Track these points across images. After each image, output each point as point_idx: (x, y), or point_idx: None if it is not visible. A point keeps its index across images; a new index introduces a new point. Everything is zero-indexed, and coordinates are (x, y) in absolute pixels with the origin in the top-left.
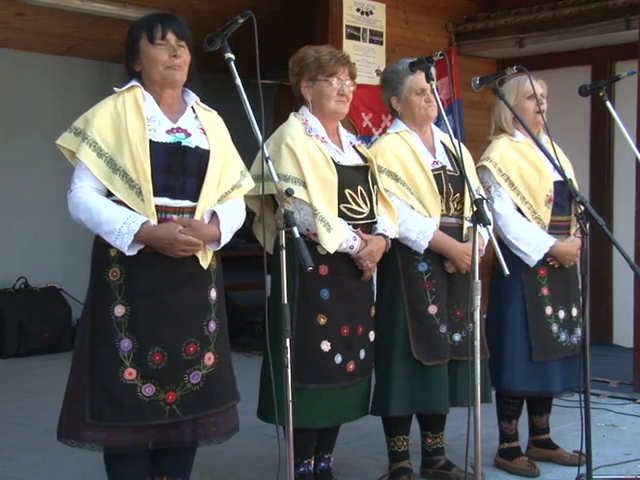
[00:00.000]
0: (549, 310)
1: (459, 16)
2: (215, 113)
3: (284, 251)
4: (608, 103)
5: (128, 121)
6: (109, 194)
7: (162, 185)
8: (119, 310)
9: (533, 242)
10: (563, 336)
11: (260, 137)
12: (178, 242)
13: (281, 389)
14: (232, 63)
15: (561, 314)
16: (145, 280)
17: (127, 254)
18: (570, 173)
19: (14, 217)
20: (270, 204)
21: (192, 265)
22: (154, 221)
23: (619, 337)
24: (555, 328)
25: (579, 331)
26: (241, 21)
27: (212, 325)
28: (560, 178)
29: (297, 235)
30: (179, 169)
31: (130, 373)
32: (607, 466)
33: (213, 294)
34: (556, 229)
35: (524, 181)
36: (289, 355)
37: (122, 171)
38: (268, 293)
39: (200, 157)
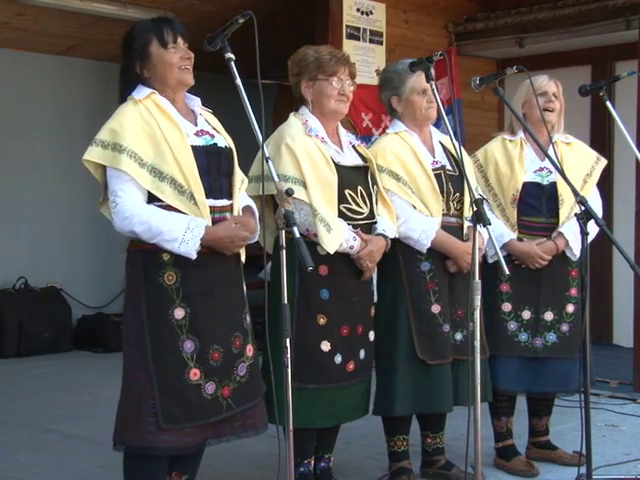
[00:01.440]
0: (507, 307)
1: (459, 16)
2: (212, 112)
3: (284, 251)
4: (608, 103)
5: (163, 129)
6: (149, 201)
7: (206, 187)
8: (179, 313)
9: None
10: (523, 336)
11: (260, 137)
12: (238, 238)
13: (281, 389)
14: (232, 63)
15: (525, 314)
16: (200, 281)
17: (193, 258)
18: (582, 173)
19: (14, 217)
20: (270, 204)
21: (234, 261)
22: (209, 222)
23: (619, 337)
24: (512, 326)
25: (551, 336)
26: (241, 21)
27: (247, 318)
28: (532, 179)
29: (297, 235)
30: (216, 170)
31: (195, 373)
32: (607, 466)
33: (244, 288)
34: (530, 229)
35: (498, 179)
36: (289, 355)
37: (170, 178)
38: (268, 279)
39: (228, 156)
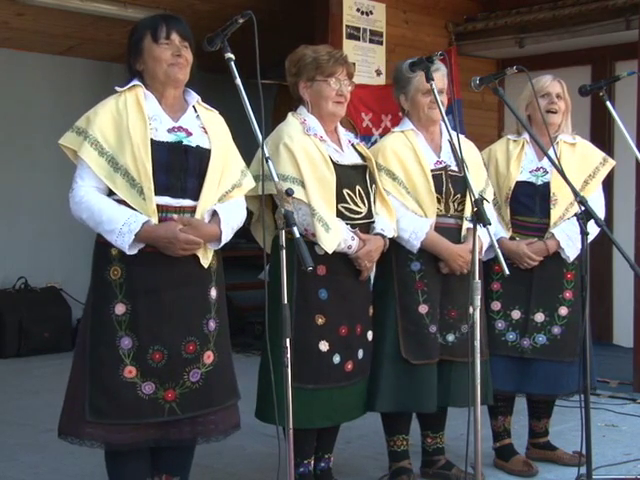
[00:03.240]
0: (496, 306)
1: (459, 16)
2: (216, 112)
3: (284, 251)
4: (608, 103)
5: (130, 120)
6: (110, 194)
7: (163, 184)
8: (120, 308)
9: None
10: (511, 336)
11: (260, 137)
12: (179, 241)
13: (280, 389)
14: (232, 63)
15: (515, 314)
16: (145, 279)
17: (128, 253)
18: (585, 172)
19: (14, 217)
20: (269, 204)
21: (192, 264)
22: (155, 220)
23: (619, 337)
24: (500, 325)
25: (540, 337)
26: (241, 21)
27: (212, 324)
28: (526, 179)
29: (297, 235)
30: (180, 168)
31: (130, 371)
32: (607, 466)
33: (213, 293)
34: (523, 229)
35: (496, 179)
36: (289, 355)
37: (124, 170)
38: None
39: (201, 156)
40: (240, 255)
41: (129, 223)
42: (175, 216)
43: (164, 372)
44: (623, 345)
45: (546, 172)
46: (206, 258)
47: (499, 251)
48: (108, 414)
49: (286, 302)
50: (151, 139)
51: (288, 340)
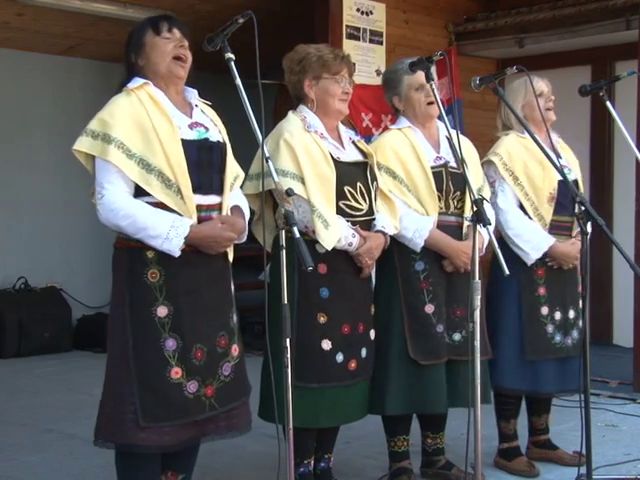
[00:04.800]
0: (545, 310)
1: (459, 16)
2: (210, 104)
3: (284, 251)
4: (608, 103)
5: (153, 120)
6: (136, 196)
7: (195, 182)
8: (162, 311)
9: (532, 240)
10: (558, 337)
11: (260, 137)
12: (223, 239)
13: (281, 389)
14: (232, 63)
15: (557, 315)
16: (185, 279)
17: (177, 256)
18: (577, 173)
19: (14, 217)
20: (270, 203)
21: (221, 260)
22: (195, 219)
23: (619, 337)
24: (550, 329)
25: (575, 333)
26: (241, 21)
27: (234, 317)
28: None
29: (297, 235)
30: (208, 165)
31: (177, 372)
32: (607, 466)
33: (232, 287)
34: (558, 229)
35: (528, 177)
36: (289, 355)
37: (157, 171)
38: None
39: (221, 151)
40: (240, 255)
41: (176, 227)
42: (214, 214)
43: (205, 369)
44: (623, 345)
45: (570, 170)
46: (232, 253)
47: (499, 251)
48: (161, 417)
49: (286, 302)
50: (180, 138)
51: (288, 340)
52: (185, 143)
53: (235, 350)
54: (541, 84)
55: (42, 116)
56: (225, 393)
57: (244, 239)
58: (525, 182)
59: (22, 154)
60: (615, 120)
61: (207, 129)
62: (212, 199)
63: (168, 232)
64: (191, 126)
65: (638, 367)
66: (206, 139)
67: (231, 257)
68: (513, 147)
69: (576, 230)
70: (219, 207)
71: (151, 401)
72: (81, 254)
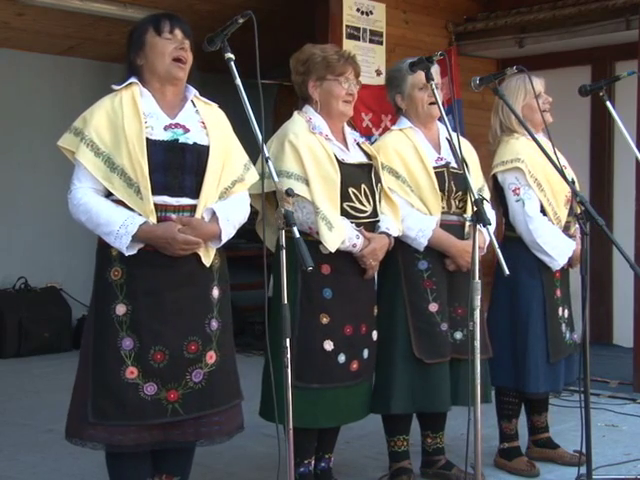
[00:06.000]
0: (560, 311)
1: (459, 16)
2: (216, 106)
3: (284, 251)
4: (608, 103)
5: (125, 119)
6: (109, 194)
7: (161, 183)
8: (120, 309)
9: (559, 246)
10: (567, 335)
11: (260, 137)
12: (177, 241)
13: (281, 389)
14: (232, 63)
15: (566, 314)
16: (146, 279)
17: (126, 254)
18: (570, 173)
19: (14, 217)
20: (273, 202)
21: (194, 264)
22: (153, 219)
23: (619, 337)
24: (564, 328)
25: (576, 328)
26: (241, 21)
27: (214, 324)
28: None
29: (297, 235)
30: (177, 166)
31: (132, 372)
32: (607, 466)
33: (215, 292)
34: (564, 229)
35: (549, 182)
36: (289, 355)
37: (120, 170)
38: (269, 292)
39: (199, 153)
40: (240, 255)
41: (126, 225)
42: (173, 216)
43: (166, 372)
44: (623, 345)
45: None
46: (207, 257)
47: (499, 252)
48: (110, 415)
49: (286, 302)
50: (147, 138)
51: (288, 340)
52: (151, 143)
53: (211, 357)
54: (538, 85)
55: (42, 116)
56: (194, 400)
57: (219, 244)
58: (547, 187)
59: (22, 154)
60: (615, 120)
61: (187, 130)
62: (184, 201)
63: (119, 229)
64: (167, 127)
65: (638, 367)
66: (176, 140)
67: (207, 261)
68: (530, 151)
69: (573, 228)
70: (192, 209)
71: (103, 398)
72: (81, 254)
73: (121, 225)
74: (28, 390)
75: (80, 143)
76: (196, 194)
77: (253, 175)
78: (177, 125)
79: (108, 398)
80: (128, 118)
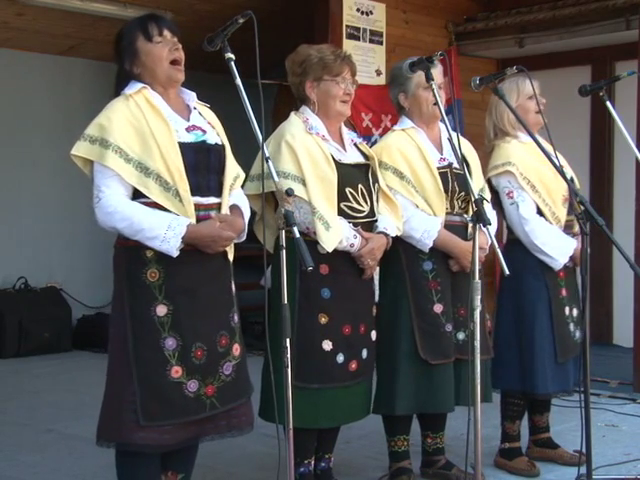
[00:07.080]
0: (567, 310)
1: (459, 16)
2: (209, 107)
3: (284, 251)
4: (608, 103)
5: (151, 124)
6: (134, 198)
7: (194, 184)
8: (161, 310)
9: (558, 246)
10: (577, 334)
11: (260, 137)
12: (222, 238)
13: (281, 389)
14: (232, 63)
15: (574, 313)
16: (183, 278)
17: (174, 256)
18: (569, 172)
19: (14, 217)
20: (271, 203)
21: (220, 259)
22: (193, 220)
23: (619, 337)
24: (572, 327)
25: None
26: (241, 21)
27: (235, 317)
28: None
29: (297, 235)
30: (205, 167)
31: (176, 371)
32: (607, 466)
33: (233, 287)
34: (567, 228)
35: (543, 182)
36: (289, 355)
37: (155, 174)
38: (268, 286)
39: (219, 153)
40: (240, 255)
41: (173, 227)
42: (212, 214)
43: (205, 368)
44: (623, 345)
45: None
46: (231, 252)
47: (499, 252)
48: (161, 416)
49: (286, 302)
50: (178, 141)
51: (288, 340)
52: (182, 146)
53: (236, 350)
54: (530, 87)
55: (42, 116)
56: (226, 392)
57: (243, 238)
58: (541, 188)
59: (22, 154)
60: (615, 120)
61: (204, 132)
62: (211, 200)
63: (165, 233)
64: (188, 129)
65: (638, 367)
66: (203, 142)
67: (231, 256)
68: (522, 154)
69: (576, 227)
70: (218, 207)
71: (151, 400)
72: (81, 254)
73: (167, 228)
74: (28, 390)
75: (105, 150)
76: (218, 192)
77: (242, 173)
78: (195, 127)
79: (157, 399)
80: (154, 123)
